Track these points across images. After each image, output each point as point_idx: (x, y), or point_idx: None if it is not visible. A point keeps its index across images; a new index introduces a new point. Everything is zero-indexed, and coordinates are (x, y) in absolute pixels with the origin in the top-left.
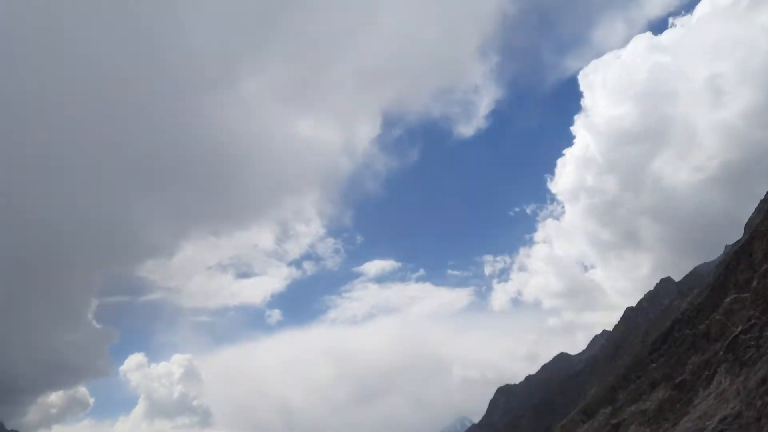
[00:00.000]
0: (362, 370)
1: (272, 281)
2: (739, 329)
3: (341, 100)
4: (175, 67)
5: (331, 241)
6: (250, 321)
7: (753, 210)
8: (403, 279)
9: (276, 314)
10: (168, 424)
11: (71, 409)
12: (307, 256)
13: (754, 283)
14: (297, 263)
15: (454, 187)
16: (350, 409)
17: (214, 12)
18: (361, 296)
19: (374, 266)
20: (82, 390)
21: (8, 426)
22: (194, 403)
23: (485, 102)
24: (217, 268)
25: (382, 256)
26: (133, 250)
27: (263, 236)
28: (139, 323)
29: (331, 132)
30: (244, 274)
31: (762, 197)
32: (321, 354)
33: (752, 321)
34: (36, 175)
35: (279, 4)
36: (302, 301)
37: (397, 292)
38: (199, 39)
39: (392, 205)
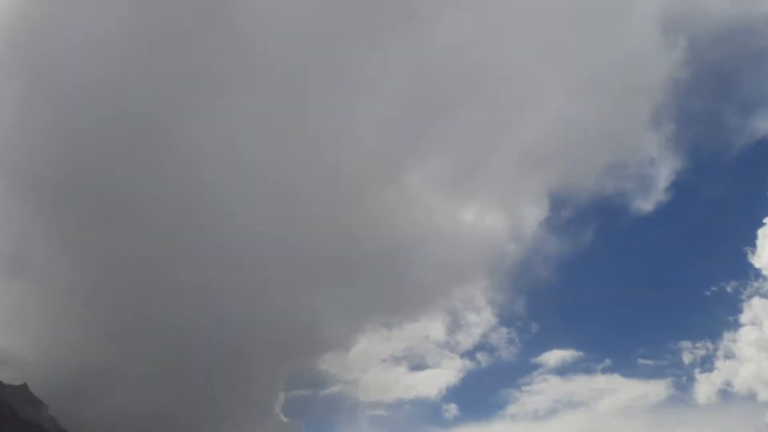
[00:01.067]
0: None
1: (446, 374)
2: None
3: (504, 185)
4: (343, 169)
5: (504, 330)
6: (427, 415)
7: None
8: (588, 370)
9: (453, 409)
10: None
11: None
12: (481, 347)
13: None
14: (470, 354)
15: (637, 268)
16: None
17: (377, 113)
18: (542, 389)
19: (553, 356)
20: None
21: None
22: None
23: (664, 174)
24: (391, 361)
25: (561, 345)
26: (314, 344)
27: (434, 327)
28: (322, 416)
29: (496, 218)
30: (417, 367)
31: None
32: None
33: None
34: (225, 279)
35: (438, 99)
36: (479, 395)
37: (581, 384)
38: (365, 142)
39: (567, 291)
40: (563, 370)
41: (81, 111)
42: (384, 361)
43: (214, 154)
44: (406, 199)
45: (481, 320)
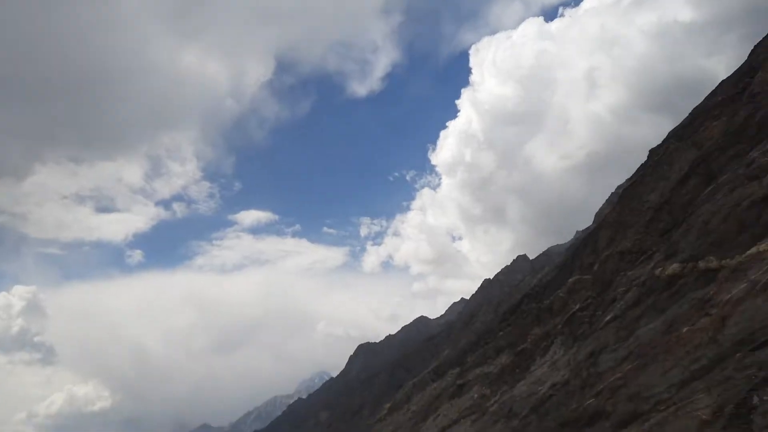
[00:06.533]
0: (225, 320)
1: (136, 219)
2: (577, 307)
3: (231, 33)
4: None
5: (206, 185)
6: (108, 259)
7: (604, 201)
8: (279, 232)
9: (138, 255)
10: (3, 358)
11: None
12: (179, 198)
13: (596, 267)
14: (166, 204)
15: (340, 145)
16: (209, 358)
17: None
18: (233, 245)
19: (250, 216)
20: None
21: None
22: (36, 339)
23: (382, 63)
24: (74, 199)
25: (259, 206)
26: None
27: (130, 170)
28: None
29: (218, 68)
30: (104, 209)
31: (613, 190)
32: (183, 300)
33: (589, 300)
34: None
35: None
36: (168, 244)
37: (271, 244)
38: None
39: (276, 156)
40: (257, 230)
41: None
42: (66, 198)
43: None
44: (120, 23)
45: (184, 171)
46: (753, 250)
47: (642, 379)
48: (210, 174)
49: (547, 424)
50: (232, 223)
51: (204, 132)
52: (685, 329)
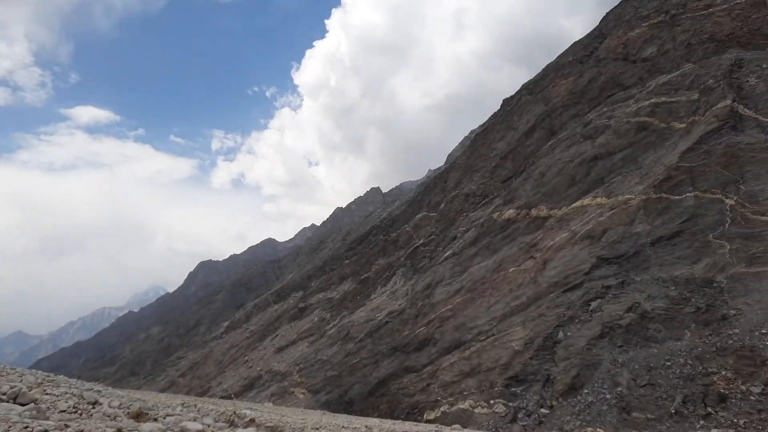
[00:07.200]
0: (52, 223)
1: None
2: (421, 242)
3: None
4: None
5: (37, 71)
6: None
7: (457, 143)
8: (120, 135)
9: None
10: None
11: None
12: (3, 82)
13: (442, 206)
14: None
15: (198, 49)
16: (30, 262)
17: None
18: (65, 143)
19: (87, 113)
20: None
21: None
22: None
23: None
24: None
25: (98, 103)
26: None
27: None
28: None
29: None
30: None
31: (467, 134)
32: (1, 197)
33: (432, 236)
34: None
35: None
36: None
37: (110, 147)
38: None
39: (123, 50)
40: (94, 129)
41: None
42: None
43: None
44: None
45: (12, 53)
46: (578, 203)
47: (469, 312)
48: (43, 60)
49: (379, 348)
50: (64, 118)
51: (38, 11)
52: (511, 269)
